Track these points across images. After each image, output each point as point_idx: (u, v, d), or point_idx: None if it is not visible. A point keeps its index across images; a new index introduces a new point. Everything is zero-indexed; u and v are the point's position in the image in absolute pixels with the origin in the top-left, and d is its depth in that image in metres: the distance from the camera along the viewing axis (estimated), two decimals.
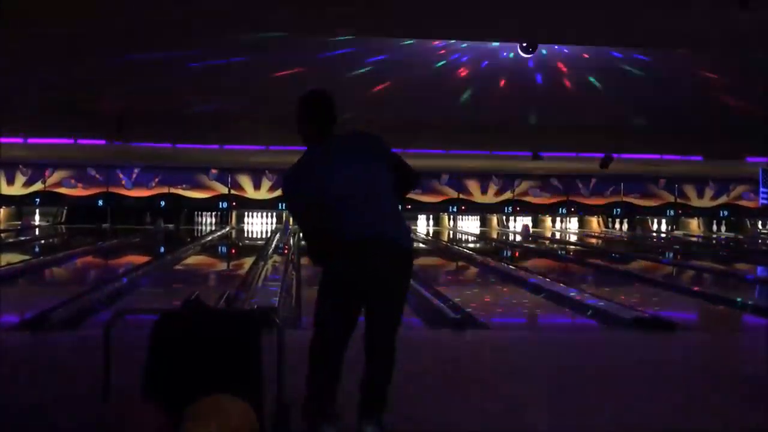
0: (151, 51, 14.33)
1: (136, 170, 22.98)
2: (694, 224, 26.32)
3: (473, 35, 12.27)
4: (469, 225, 25.41)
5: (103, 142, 21.62)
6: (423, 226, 24.93)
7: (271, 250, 14.76)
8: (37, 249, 16.43)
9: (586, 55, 15.98)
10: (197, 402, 2.97)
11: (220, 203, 23.49)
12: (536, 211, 25.22)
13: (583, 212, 25.47)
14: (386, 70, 16.96)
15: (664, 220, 26.27)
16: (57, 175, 22.86)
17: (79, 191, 22.98)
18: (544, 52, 16.38)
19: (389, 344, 3.46)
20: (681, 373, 5.22)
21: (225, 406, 2.97)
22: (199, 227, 23.37)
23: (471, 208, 24.72)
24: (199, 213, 24.08)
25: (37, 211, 23.69)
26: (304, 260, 11.67)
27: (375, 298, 3.43)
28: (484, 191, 24.59)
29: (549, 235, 23.93)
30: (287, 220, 22.00)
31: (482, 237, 22.64)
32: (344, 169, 3.41)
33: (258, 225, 23.89)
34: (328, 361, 3.45)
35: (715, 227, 26.29)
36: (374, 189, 3.42)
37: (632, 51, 15.71)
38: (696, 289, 10.85)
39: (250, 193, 23.47)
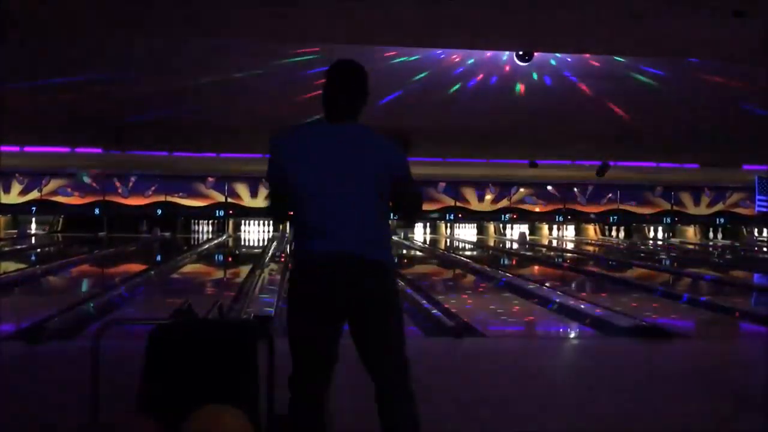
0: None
1: (132, 178, 22.96)
2: (691, 232, 26.35)
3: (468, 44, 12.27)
4: (466, 233, 25.40)
5: (99, 150, 21.57)
6: (420, 234, 24.92)
7: (267, 258, 14.74)
8: (33, 258, 16.39)
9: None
10: (194, 413, 2.95)
11: (217, 211, 23.46)
12: (533, 219, 25.23)
13: (579, 220, 25.47)
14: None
15: (660, 228, 26.30)
16: (53, 184, 22.83)
17: (75, 200, 22.94)
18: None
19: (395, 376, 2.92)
20: (677, 381, 5.22)
21: (222, 416, 2.95)
22: (196, 235, 23.33)
23: (468, 215, 24.72)
24: (196, 221, 24.06)
25: (34, 219, 23.65)
26: None
27: (358, 323, 2.88)
28: (480, 199, 24.59)
29: (546, 242, 23.93)
30: (284, 229, 21.97)
31: (479, 245, 22.64)
32: (317, 171, 2.84)
33: (255, 233, 23.84)
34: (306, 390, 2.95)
35: (711, 235, 26.32)
36: (351, 199, 2.85)
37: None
38: (693, 296, 10.83)
39: (247, 201, 23.44)
